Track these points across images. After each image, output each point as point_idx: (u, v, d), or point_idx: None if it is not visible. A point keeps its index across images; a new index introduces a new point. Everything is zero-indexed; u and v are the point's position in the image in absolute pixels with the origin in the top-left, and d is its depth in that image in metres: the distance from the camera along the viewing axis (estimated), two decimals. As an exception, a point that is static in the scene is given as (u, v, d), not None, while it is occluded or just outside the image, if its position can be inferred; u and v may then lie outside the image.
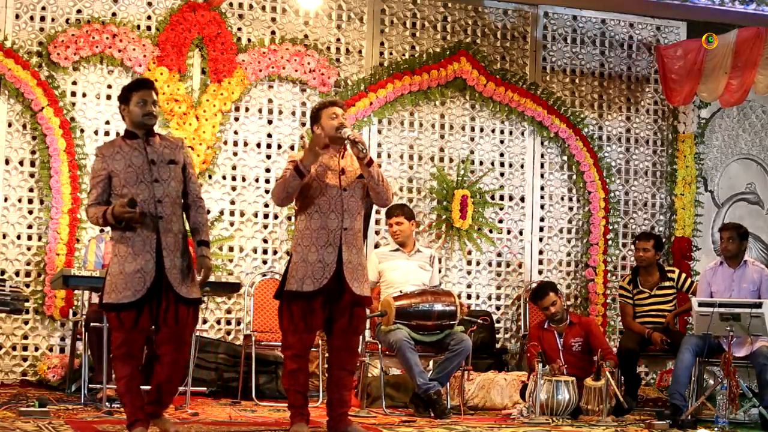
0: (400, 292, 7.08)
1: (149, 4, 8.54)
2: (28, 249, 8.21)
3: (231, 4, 8.74)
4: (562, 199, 9.60)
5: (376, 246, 8.65)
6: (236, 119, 8.73)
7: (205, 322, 8.49)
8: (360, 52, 9.09)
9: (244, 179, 8.74)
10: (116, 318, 5.05)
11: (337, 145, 5.57)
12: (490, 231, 9.31)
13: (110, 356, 5.40)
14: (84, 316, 7.13)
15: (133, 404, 5.10)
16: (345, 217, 5.49)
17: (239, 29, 8.73)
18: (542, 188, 9.54)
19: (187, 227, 5.32)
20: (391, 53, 9.16)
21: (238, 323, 8.54)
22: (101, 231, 8.01)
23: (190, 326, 5.23)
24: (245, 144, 8.76)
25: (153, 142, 5.20)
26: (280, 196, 5.52)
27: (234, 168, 8.72)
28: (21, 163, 8.25)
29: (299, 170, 5.39)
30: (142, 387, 5.17)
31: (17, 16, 8.24)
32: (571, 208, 9.61)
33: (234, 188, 8.71)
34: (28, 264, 8.20)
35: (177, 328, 5.12)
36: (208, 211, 8.59)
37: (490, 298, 9.35)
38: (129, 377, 5.08)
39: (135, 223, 5.04)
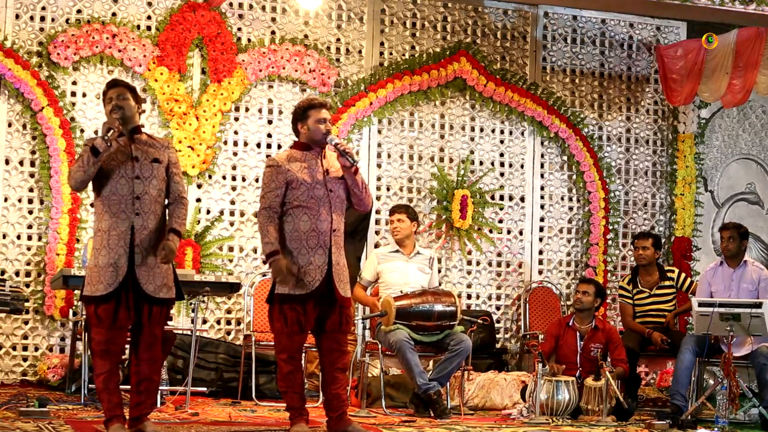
0: (401, 292, 7.08)
1: (149, 4, 8.54)
2: (28, 249, 8.21)
3: (231, 4, 8.73)
4: (562, 199, 9.59)
5: (376, 246, 8.65)
6: (236, 119, 8.73)
7: (205, 322, 8.49)
8: (360, 52, 9.08)
9: (244, 179, 8.74)
10: (95, 314, 5.08)
11: (319, 147, 5.59)
12: (490, 231, 9.31)
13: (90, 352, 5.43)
14: (84, 316, 7.11)
15: (111, 401, 5.12)
16: (334, 219, 5.49)
17: (239, 29, 8.73)
18: (542, 188, 9.53)
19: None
20: (391, 53, 9.16)
21: (238, 323, 8.54)
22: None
23: (161, 324, 5.27)
24: (245, 144, 8.76)
25: (138, 140, 5.24)
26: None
27: (234, 168, 8.72)
28: (21, 163, 8.25)
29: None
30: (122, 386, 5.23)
31: (17, 16, 8.24)
32: (571, 208, 9.61)
33: (234, 188, 8.71)
34: (28, 264, 8.20)
35: (148, 326, 5.18)
36: (208, 211, 8.60)
37: (490, 298, 9.34)
38: (108, 374, 5.10)
39: (109, 130, 5.08)
